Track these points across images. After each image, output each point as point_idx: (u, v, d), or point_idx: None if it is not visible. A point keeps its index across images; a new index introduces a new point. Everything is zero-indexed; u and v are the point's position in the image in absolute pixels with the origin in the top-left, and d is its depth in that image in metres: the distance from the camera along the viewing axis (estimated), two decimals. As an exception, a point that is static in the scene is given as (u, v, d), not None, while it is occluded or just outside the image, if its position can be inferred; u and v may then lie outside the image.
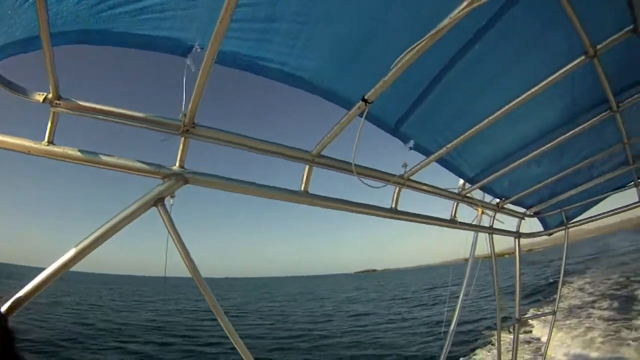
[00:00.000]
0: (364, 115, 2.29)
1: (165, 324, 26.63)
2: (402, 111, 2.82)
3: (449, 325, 4.62)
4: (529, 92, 2.67)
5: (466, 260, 4.96)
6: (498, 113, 2.81)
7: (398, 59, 1.96)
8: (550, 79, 2.59)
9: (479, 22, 2.27)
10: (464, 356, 14.06)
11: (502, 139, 3.55)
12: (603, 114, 3.33)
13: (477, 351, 13.48)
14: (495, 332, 5.63)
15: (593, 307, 20.31)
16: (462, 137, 3.00)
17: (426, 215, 3.62)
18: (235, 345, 2.50)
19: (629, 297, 21.12)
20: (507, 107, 2.77)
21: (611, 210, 5.81)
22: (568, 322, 17.27)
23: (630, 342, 13.14)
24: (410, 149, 3.02)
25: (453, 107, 2.90)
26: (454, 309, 4.63)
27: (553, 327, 6.32)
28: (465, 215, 4.36)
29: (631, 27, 2.26)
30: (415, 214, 3.44)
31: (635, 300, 20.34)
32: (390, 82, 2.09)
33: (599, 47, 2.45)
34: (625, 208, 5.65)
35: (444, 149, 3.08)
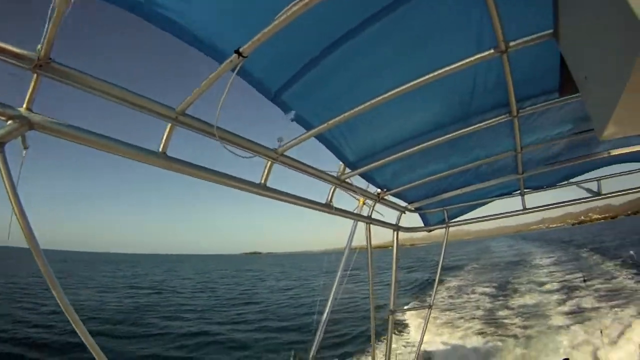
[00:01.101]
0: (236, 70, 2.08)
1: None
2: (287, 77, 2.53)
3: (322, 314, 4.52)
4: (426, 77, 2.51)
5: (355, 249, 4.87)
6: (389, 94, 2.63)
7: (282, 11, 1.77)
8: (452, 66, 2.44)
9: None
10: (339, 346, 14.44)
11: (391, 127, 3.39)
12: (501, 117, 3.26)
13: (353, 341, 13.86)
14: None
15: (470, 302, 22.00)
16: (346, 114, 2.77)
17: (299, 197, 3.40)
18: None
19: (502, 294, 23.58)
20: (399, 89, 2.60)
21: (493, 215, 6.09)
22: (447, 315, 18.41)
23: (504, 336, 14.44)
24: (292, 120, 2.79)
25: (343, 83, 2.69)
26: (327, 298, 4.54)
27: (428, 319, 6.49)
28: (348, 203, 4.28)
29: (551, 30, 2.15)
30: (287, 193, 3.23)
31: (508, 296, 22.55)
32: (269, 35, 1.87)
33: (512, 43, 2.33)
34: (508, 214, 5.91)
35: (325, 124, 2.85)
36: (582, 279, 22.25)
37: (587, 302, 17.72)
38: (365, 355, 14.02)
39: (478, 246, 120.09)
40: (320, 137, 3.16)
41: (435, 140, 3.47)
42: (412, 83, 2.56)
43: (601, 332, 11.18)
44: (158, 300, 31.25)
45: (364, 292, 5.79)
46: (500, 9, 2.05)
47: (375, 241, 4.86)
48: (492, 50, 2.34)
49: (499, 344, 13.60)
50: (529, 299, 21.11)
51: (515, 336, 14.36)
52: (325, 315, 4.48)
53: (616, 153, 4.73)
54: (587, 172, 5.47)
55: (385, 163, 3.70)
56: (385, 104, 2.73)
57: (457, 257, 69.14)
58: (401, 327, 16.92)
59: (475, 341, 14.25)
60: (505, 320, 17.02)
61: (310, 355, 4.39)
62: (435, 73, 2.48)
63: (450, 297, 25.15)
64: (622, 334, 12.36)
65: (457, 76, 2.60)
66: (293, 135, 2.94)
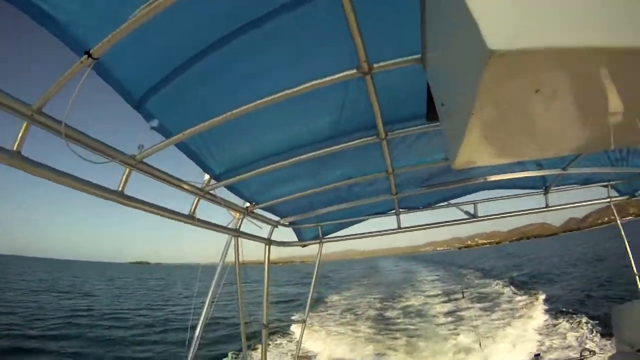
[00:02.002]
0: (86, 73, 1.95)
1: None
2: (151, 84, 2.37)
3: (195, 330, 4.27)
4: (294, 90, 2.43)
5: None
6: (254, 105, 2.52)
7: (132, 15, 1.70)
8: (319, 81, 2.38)
9: (261, 9, 2.02)
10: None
11: (259, 140, 3.27)
12: (370, 138, 3.25)
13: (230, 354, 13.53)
14: (260, 335, 5.45)
15: (357, 314, 22.57)
16: (209, 122, 2.61)
17: (160, 207, 3.15)
18: None
19: (390, 304, 24.85)
20: (266, 99, 2.49)
21: (369, 232, 6.15)
22: (333, 328, 18.60)
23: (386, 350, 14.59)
24: (152, 128, 2.59)
25: (209, 92, 2.53)
26: (201, 314, 4.30)
27: (303, 334, 6.39)
28: (226, 216, 4.18)
29: (418, 56, 2.11)
30: (147, 202, 2.96)
31: (393, 308, 23.60)
32: (119, 37, 1.78)
33: (376, 65, 2.30)
34: (383, 233, 6.02)
35: (182, 134, 2.66)
36: (461, 293, 23.89)
37: (465, 312, 19.12)
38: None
39: (369, 264, 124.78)
40: (181, 146, 2.96)
41: (305, 156, 3.40)
42: (280, 94, 2.46)
43: (480, 344, 11.91)
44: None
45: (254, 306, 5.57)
46: (364, 31, 2.02)
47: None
48: (354, 70, 2.32)
49: (387, 352, 14.03)
50: (414, 305, 22.80)
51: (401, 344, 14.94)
52: (198, 330, 4.23)
53: (491, 179, 4.96)
54: (465, 195, 5.70)
55: (252, 176, 3.56)
56: (251, 116, 2.65)
57: (349, 273, 72.34)
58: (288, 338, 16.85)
59: (365, 350, 14.52)
60: (393, 332, 17.57)
61: None
62: (303, 86, 2.41)
63: (343, 308, 25.74)
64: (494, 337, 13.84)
65: (329, 93, 2.58)
66: (157, 141, 2.73)
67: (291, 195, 4.40)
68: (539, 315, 17.11)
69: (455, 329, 16.13)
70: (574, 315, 15.91)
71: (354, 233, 6.20)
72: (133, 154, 2.66)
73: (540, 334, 14.10)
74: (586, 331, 13.40)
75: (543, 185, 5.79)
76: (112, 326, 23.43)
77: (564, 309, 17.41)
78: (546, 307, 18.57)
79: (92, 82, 2.03)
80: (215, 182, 3.56)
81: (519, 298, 22.67)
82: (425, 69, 2.04)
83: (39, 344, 18.00)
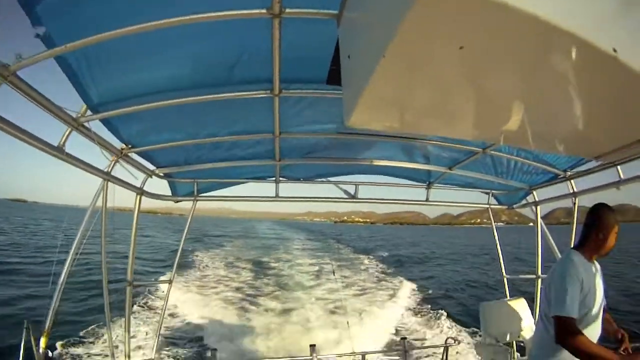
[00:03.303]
0: None
1: None
2: None
3: (57, 281, 3.81)
4: (191, 17, 2.20)
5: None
6: (144, 26, 2.22)
7: None
8: (222, 13, 2.18)
9: None
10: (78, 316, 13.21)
11: (146, 71, 2.89)
12: (263, 92, 3.07)
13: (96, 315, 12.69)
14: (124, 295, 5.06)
15: (234, 275, 22.69)
16: (93, 38, 2.26)
17: (26, 132, 2.62)
18: None
19: (263, 270, 25.21)
20: (157, 22, 2.21)
21: (246, 197, 6.08)
22: (202, 289, 18.35)
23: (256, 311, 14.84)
24: (37, 36, 2.19)
25: (103, 4, 2.19)
26: (65, 262, 3.85)
27: (169, 294, 6.08)
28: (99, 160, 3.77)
29: (335, 12, 1.99)
30: (9, 122, 2.45)
31: (267, 273, 24.05)
32: None
33: (287, 10, 2.15)
34: (260, 199, 6.00)
35: (64, 46, 2.28)
36: (332, 271, 24.57)
37: (336, 288, 19.26)
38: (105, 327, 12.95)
39: (245, 225, 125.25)
40: (62, 62, 2.52)
41: (191, 99, 3.13)
42: (176, 19, 2.20)
43: (347, 322, 12.40)
44: None
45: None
46: None
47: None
48: (264, 10, 2.15)
49: (257, 316, 14.08)
50: (287, 278, 22.95)
51: (271, 309, 15.16)
52: (60, 284, 3.78)
53: (377, 163, 5.05)
54: (347, 174, 5.73)
55: (131, 112, 3.20)
56: (142, 42, 2.39)
57: (227, 231, 72.97)
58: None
59: (236, 313, 14.50)
60: (265, 295, 17.89)
61: (46, 327, 3.66)
62: (205, 15, 2.19)
63: (217, 268, 25.59)
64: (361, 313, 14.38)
65: (232, 33, 2.43)
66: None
67: (170, 143, 4.09)
68: (406, 300, 17.86)
69: (327, 306, 16.16)
70: (441, 304, 17.02)
71: (231, 195, 6.09)
72: (7, 63, 2.23)
73: (406, 318, 14.72)
74: (449, 322, 14.09)
75: (427, 180, 6.00)
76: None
77: (431, 297, 18.72)
78: (414, 293, 19.59)
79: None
80: (92, 113, 3.15)
81: (388, 280, 23.50)
82: (339, 26, 1.97)
83: None
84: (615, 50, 1.32)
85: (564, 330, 2.55)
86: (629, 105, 1.82)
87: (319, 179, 5.74)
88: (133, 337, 10.54)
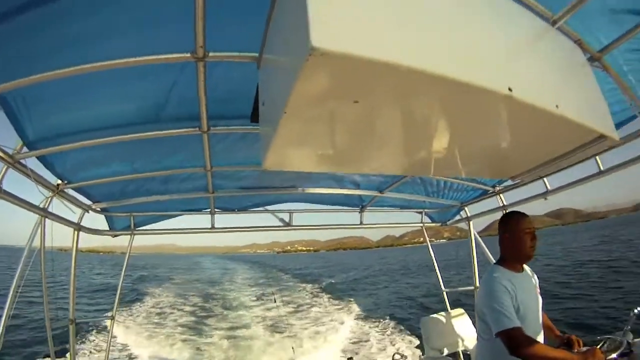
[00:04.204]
0: None
1: None
2: None
3: None
4: (122, 61, 2.27)
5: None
6: (79, 68, 2.28)
7: None
8: (150, 57, 2.27)
9: None
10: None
11: (81, 111, 2.95)
12: (192, 129, 3.17)
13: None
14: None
15: (173, 313, 21.64)
16: (28, 79, 2.31)
17: None
18: None
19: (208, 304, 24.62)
20: (91, 65, 2.26)
21: (182, 229, 6.04)
22: (147, 325, 17.73)
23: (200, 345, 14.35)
24: None
25: (37, 46, 2.21)
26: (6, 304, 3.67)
27: (112, 330, 5.89)
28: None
29: (255, 54, 2.12)
30: None
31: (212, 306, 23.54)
32: None
33: (211, 54, 2.25)
34: (196, 231, 5.94)
35: (7, 84, 2.33)
36: (273, 299, 24.47)
37: (279, 314, 19.56)
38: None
39: (189, 261, 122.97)
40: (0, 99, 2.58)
41: (125, 137, 3.18)
42: (108, 62, 2.27)
43: (292, 348, 12.23)
44: None
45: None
46: (209, 16, 1.97)
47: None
48: (188, 54, 2.26)
49: (203, 349, 13.78)
50: (233, 312, 22.29)
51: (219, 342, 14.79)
52: (1, 326, 3.57)
53: (309, 191, 5.16)
54: (282, 203, 5.81)
55: (67, 149, 3.22)
56: (76, 82, 2.44)
57: (171, 268, 70.84)
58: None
59: (182, 347, 14.10)
60: (211, 329, 17.47)
61: None
62: (136, 59, 2.27)
63: (161, 305, 24.78)
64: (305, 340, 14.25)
65: (161, 75, 2.51)
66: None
67: (106, 178, 4.07)
68: (351, 321, 17.97)
69: (272, 332, 16.18)
70: (385, 322, 17.21)
71: (168, 228, 6.06)
72: None
73: (353, 339, 14.75)
74: (397, 337, 14.43)
75: (360, 204, 6.18)
76: None
77: (376, 317, 18.77)
78: (359, 314, 19.75)
79: None
80: (28, 150, 3.14)
81: (332, 304, 23.75)
82: (259, 68, 2.08)
83: None
84: (510, 90, 1.47)
85: (515, 343, 2.46)
86: (531, 134, 2.02)
87: (254, 209, 5.80)
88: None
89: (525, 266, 2.95)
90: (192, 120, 3.09)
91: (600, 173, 4.03)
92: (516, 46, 1.75)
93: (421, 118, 1.74)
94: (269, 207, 5.81)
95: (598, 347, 2.65)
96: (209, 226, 5.77)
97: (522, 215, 2.89)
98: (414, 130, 1.88)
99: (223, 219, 5.85)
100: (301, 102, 1.33)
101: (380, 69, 1.16)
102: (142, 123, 3.11)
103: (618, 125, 3.25)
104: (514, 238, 2.81)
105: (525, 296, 2.71)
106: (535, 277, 3.02)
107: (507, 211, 3.06)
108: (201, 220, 5.85)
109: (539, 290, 2.96)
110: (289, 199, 5.64)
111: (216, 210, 5.62)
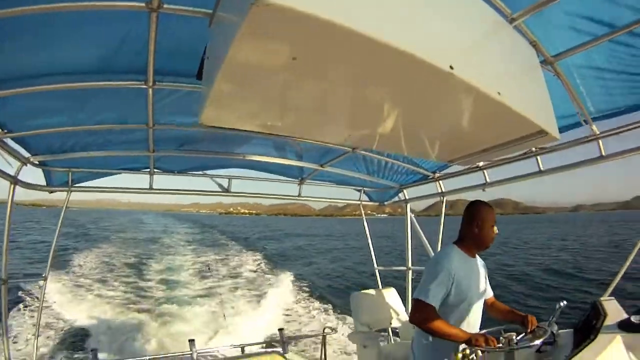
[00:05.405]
0: None
1: None
2: None
3: None
4: (72, 4, 2.15)
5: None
6: (26, 8, 2.15)
7: None
8: (102, 3, 2.19)
9: None
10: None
11: (23, 54, 2.77)
12: (137, 82, 3.04)
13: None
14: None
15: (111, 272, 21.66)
16: None
17: None
18: None
19: (147, 263, 25.01)
20: (39, 7, 2.14)
21: (121, 188, 5.78)
22: (81, 286, 17.43)
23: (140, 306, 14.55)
24: None
25: None
26: None
27: (45, 291, 5.62)
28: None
29: (209, 10, 2.01)
30: None
31: (150, 266, 23.92)
32: None
33: (165, 5, 2.21)
34: (134, 190, 5.77)
35: None
36: (207, 267, 24.31)
37: (215, 282, 19.63)
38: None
39: (132, 217, 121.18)
40: None
41: (67, 85, 3.03)
42: (54, 5, 2.14)
43: (224, 315, 12.22)
44: None
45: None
46: None
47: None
48: (143, 4, 2.20)
49: (138, 314, 13.72)
50: (170, 273, 22.49)
51: (153, 306, 14.86)
52: None
53: (249, 158, 5.09)
54: (222, 168, 5.72)
55: (6, 95, 3.03)
56: (20, 22, 2.30)
57: (115, 225, 71.39)
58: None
59: (118, 311, 14.01)
60: (148, 291, 17.58)
61: None
62: (84, 3, 2.17)
63: (102, 263, 24.68)
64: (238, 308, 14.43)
65: (113, 22, 2.43)
66: None
67: (46, 129, 3.87)
68: (285, 291, 18.16)
69: (205, 295, 16.35)
70: (318, 295, 17.55)
71: (105, 186, 5.76)
72: None
73: (285, 309, 14.97)
74: (330, 311, 14.68)
75: (300, 175, 6.18)
76: None
77: (310, 288, 19.09)
78: (293, 285, 19.94)
79: None
80: None
81: (268, 272, 23.97)
82: (210, 26, 2.02)
83: None
84: (452, 67, 1.46)
85: (420, 313, 2.68)
86: (473, 118, 2.04)
87: (193, 172, 5.67)
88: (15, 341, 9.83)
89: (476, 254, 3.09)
90: (139, 74, 3.00)
91: (540, 172, 4.28)
92: (467, 32, 1.79)
93: (363, 87, 1.73)
94: (208, 172, 5.72)
95: (522, 334, 2.79)
96: (148, 187, 5.62)
97: (490, 207, 3.01)
98: (357, 99, 1.87)
99: (162, 180, 5.68)
100: (241, 55, 1.32)
101: (322, 26, 1.16)
102: (89, 72, 2.99)
103: (563, 129, 3.38)
104: (480, 227, 2.93)
105: (472, 281, 2.88)
106: (485, 266, 3.17)
107: (474, 199, 3.16)
108: (140, 179, 5.69)
109: (486, 280, 3.11)
110: (229, 164, 5.56)
111: (155, 170, 5.43)
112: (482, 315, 3.00)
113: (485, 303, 3.12)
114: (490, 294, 3.24)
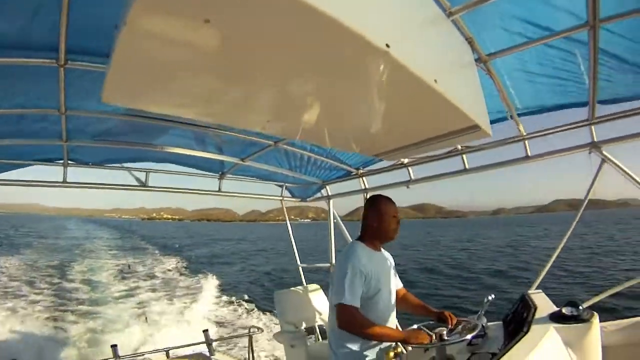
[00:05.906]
0: None
1: None
2: None
3: None
4: None
5: None
6: None
7: None
8: None
9: None
10: None
11: None
12: (49, 60, 2.71)
13: None
14: None
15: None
16: None
17: None
18: None
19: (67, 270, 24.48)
20: None
21: (35, 181, 5.28)
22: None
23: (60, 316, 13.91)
24: None
25: None
26: None
27: None
28: None
29: None
30: None
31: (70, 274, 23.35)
32: None
33: None
34: (50, 184, 5.27)
35: None
36: (127, 266, 24.59)
37: (135, 285, 19.66)
38: None
39: (55, 223, 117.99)
40: None
41: None
42: None
43: (146, 318, 11.93)
44: None
45: None
46: None
47: None
48: None
49: (61, 322, 13.20)
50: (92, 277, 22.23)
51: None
52: None
53: (167, 150, 4.84)
54: (139, 161, 5.40)
55: None
56: None
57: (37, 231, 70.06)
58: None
59: (40, 319, 13.48)
60: (69, 299, 16.95)
61: None
62: None
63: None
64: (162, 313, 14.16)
65: None
66: None
67: None
68: (209, 294, 18.20)
69: (126, 303, 15.98)
70: (243, 296, 17.74)
71: (16, 179, 5.16)
72: None
73: (209, 311, 15.02)
74: (255, 311, 14.89)
75: (220, 170, 5.97)
76: None
77: (234, 291, 19.30)
78: (218, 287, 20.06)
79: None
80: None
81: (191, 276, 24.05)
82: None
83: None
84: (388, 46, 1.34)
85: (346, 317, 2.63)
86: (407, 106, 1.97)
87: (110, 164, 5.32)
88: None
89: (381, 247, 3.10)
90: (50, 51, 2.68)
91: (465, 170, 4.39)
92: (406, 15, 1.67)
93: (286, 63, 1.50)
94: (126, 164, 5.40)
95: (451, 328, 2.85)
96: (61, 180, 5.14)
97: (390, 199, 3.05)
98: (278, 77, 1.65)
99: (77, 173, 5.37)
100: (144, 15, 1.13)
101: None
102: (5, 47, 2.65)
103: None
104: (380, 219, 2.95)
105: (382, 274, 2.88)
106: (391, 258, 3.18)
107: (374, 194, 3.20)
108: (54, 172, 5.25)
109: (394, 271, 3.15)
110: (148, 156, 5.25)
111: (69, 162, 5.00)
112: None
113: (397, 295, 3.14)
114: (400, 285, 3.27)
